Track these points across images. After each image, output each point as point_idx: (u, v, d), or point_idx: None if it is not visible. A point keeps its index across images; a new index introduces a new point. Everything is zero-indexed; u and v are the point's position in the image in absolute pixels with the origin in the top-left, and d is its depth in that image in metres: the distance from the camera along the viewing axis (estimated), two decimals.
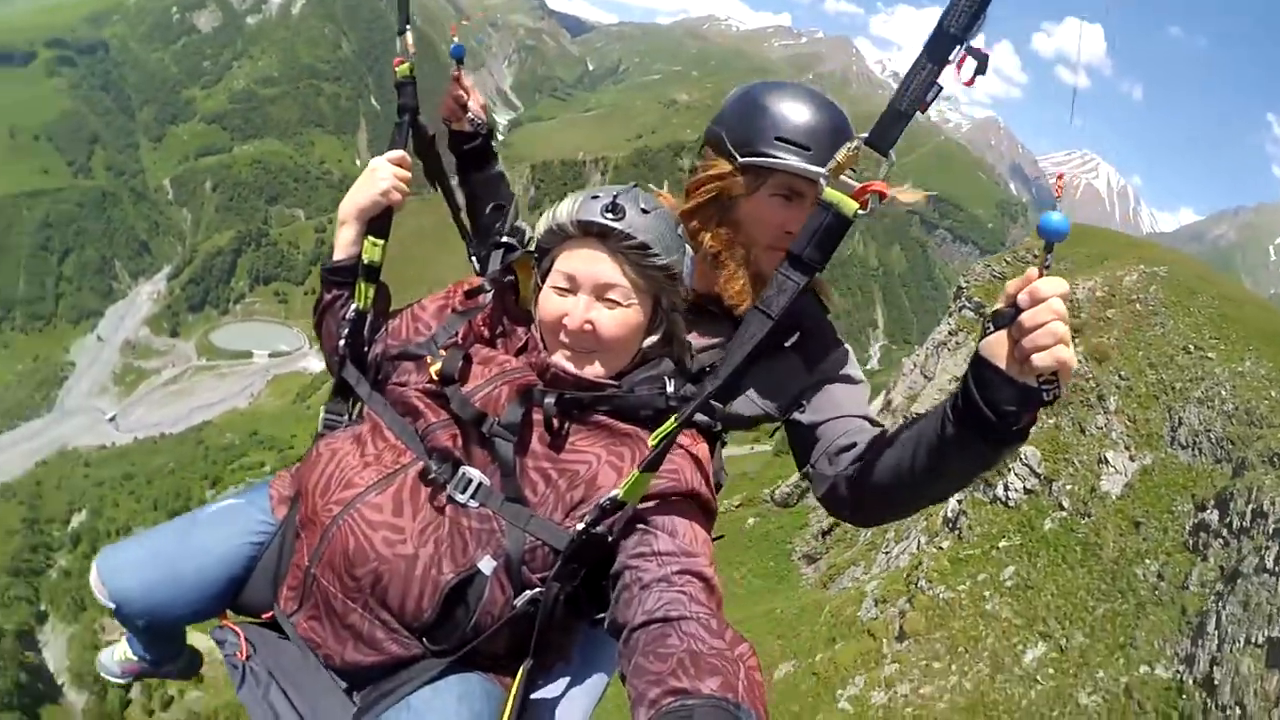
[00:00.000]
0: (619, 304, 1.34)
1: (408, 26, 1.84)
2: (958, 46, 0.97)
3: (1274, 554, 11.71)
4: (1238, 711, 10.53)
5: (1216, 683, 11.01)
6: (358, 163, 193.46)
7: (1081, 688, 12.24)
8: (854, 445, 1.48)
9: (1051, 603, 14.03)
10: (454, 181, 2.03)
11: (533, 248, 1.47)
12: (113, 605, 1.51)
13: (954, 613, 14.70)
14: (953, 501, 16.74)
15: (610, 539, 1.22)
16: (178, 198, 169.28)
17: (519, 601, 1.27)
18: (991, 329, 1.07)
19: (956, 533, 16.69)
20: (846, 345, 1.69)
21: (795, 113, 1.51)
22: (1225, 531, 13.04)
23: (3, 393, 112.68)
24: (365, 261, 1.60)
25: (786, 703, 14.37)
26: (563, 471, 1.31)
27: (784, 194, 1.54)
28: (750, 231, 1.58)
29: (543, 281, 1.42)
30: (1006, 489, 16.40)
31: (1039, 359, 1.00)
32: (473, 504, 1.28)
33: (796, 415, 1.61)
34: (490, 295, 1.52)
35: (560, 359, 1.37)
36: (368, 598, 1.28)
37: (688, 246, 1.43)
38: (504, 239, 1.72)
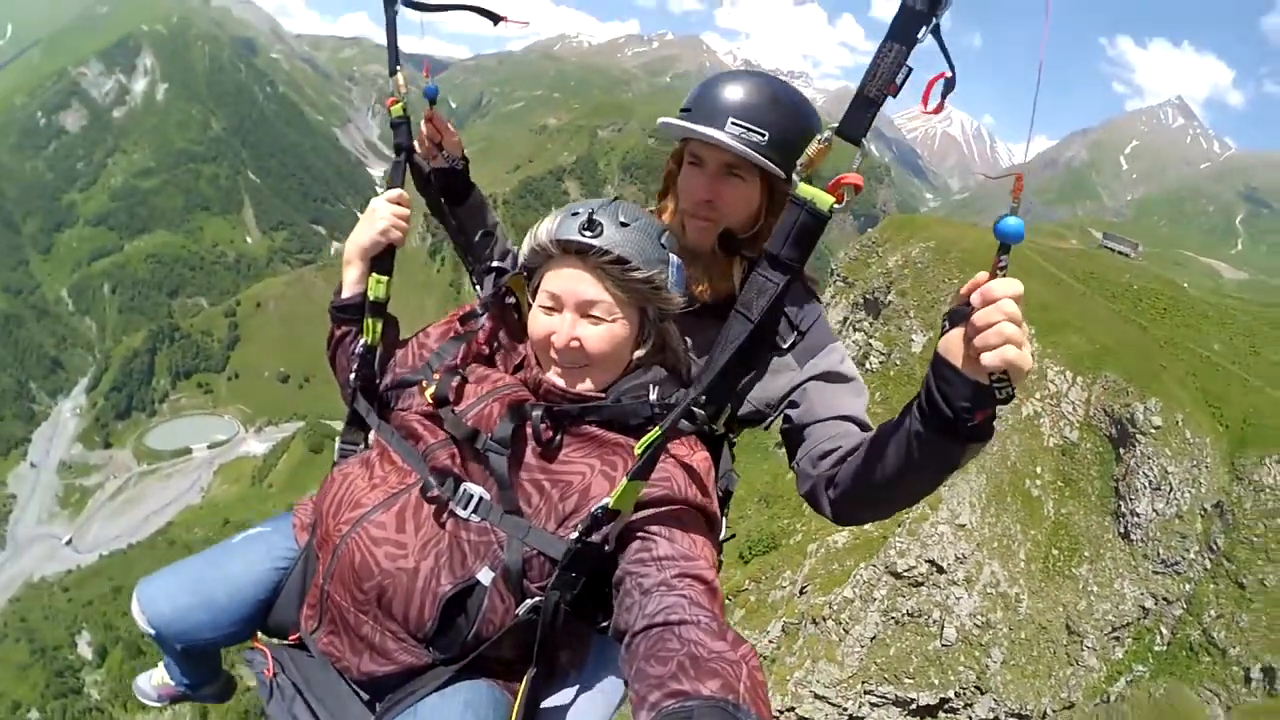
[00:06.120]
0: (603, 320, 1.36)
1: (398, 67, 1.84)
2: (924, 25, 0.94)
3: None
4: None
5: None
6: (248, 240, 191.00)
7: None
8: (837, 449, 1.47)
9: None
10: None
11: (520, 267, 1.49)
12: (152, 631, 1.61)
13: None
14: None
15: (607, 548, 1.25)
16: (78, 306, 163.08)
17: (520, 610, 1.30)
18: (948, 326, 1.09)
19: None
20: (839, 342, 1.67)
21: (699, 87, 1.56)
22: None
23: None
24: (371, 298, 1.64)
25: None
26: (555, 482, 1.34)
27: (692, 160, 1.60)
28: (680, 203, 1.64)
29: (533, 300, 1.43)
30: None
31: (987, 358, 1.01)
32: (474, 518, 1.32)
33: (788, 412, 1.61)
34: (484, 319, 1.57)
35: (553, 376, 1.40)
36: (375, 610, 1.33)
37: (673, 256, 1.41)
38: (494, 264, 1.83)
